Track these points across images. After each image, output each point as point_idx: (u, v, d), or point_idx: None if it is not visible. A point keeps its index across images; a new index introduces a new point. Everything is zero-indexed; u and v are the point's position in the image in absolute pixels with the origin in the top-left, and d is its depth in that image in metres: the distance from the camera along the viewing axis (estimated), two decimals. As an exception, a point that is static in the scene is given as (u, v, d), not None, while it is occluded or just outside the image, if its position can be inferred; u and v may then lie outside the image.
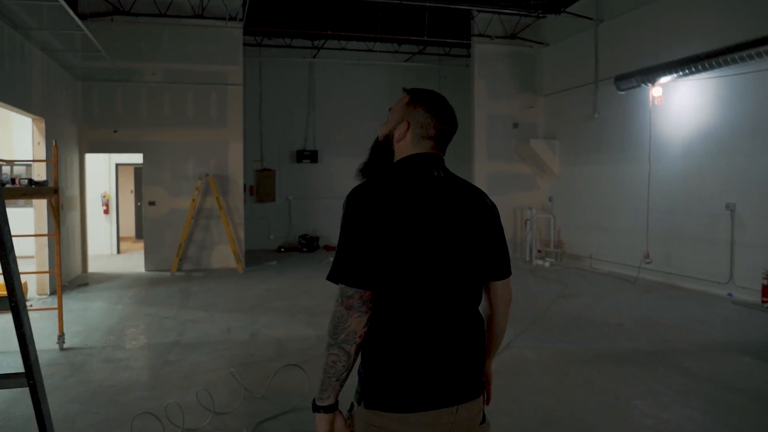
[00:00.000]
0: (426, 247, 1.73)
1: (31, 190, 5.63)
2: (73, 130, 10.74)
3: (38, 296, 8.90)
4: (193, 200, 11.36)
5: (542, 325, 7.05)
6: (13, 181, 5.69)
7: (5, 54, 7.30)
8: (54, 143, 6.13)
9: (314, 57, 14.90)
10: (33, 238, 9.00)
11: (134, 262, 12.43)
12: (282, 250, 14.62)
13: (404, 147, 1.91)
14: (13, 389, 3.99)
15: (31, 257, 9.21)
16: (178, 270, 11.35)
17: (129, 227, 16.75)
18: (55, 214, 6.04)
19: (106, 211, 14.12)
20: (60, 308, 6.17)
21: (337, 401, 1.77)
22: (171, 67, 11.37)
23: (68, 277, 10.23)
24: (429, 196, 1.79)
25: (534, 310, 7.80)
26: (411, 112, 1.90)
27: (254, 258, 12.93)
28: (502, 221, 1.98)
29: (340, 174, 14.90)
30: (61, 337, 6.14)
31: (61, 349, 6.10)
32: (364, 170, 2.00)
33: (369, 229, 1.69)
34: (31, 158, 9.04)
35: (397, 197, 1.74)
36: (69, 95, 10.42)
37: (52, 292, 9.10)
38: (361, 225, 1.70)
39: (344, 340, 1.70)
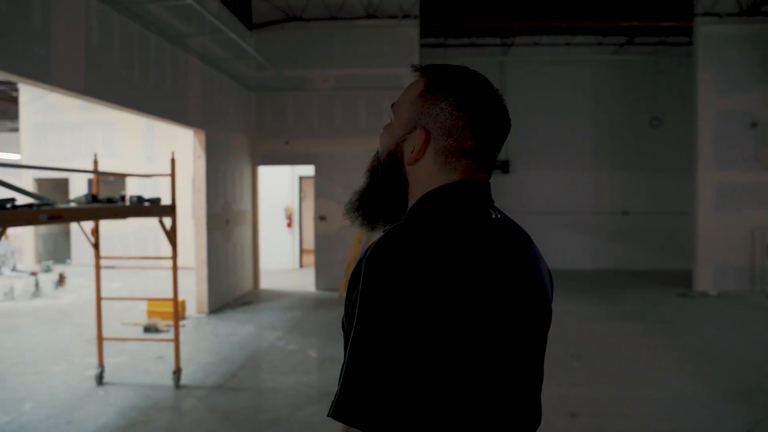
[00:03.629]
0: (505, 356, 0.97)
1: (137, 209, 4.96)
2: (245, 142, 10.46)
3: (197, 315, 8.55)
4: (362, 215, 10.49)
5: (795, 407, 4.88)
6: (122, 198, 5.08)
7: (151, 63, 6.92)
8: (172, 156, 5.47)
9: (505, 56, 13.40)
10: (194, 250, 8.73)
11: (311, 279, 11.92)
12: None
13: (423, 172, 1.09)
14: None
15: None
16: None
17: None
18: (171, 236, 5.36)
19: (289, 225, 13.95)
20: (177, 341, 5.49)
21: None
22: (342, 72, 10.66)
23: (235, 293, 9.91)
24: (499, 261, 0.98)
25: (781, 378, 5.57)
26: (429, 109, 1.07)
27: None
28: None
29: (533, 187, 13.35)
30: (177, 373, 5.45)
31: (176, 386, 5.40)
32: (363, 207, 1.17)
33: (418, 332, 0.88)
34: (192, 172, 8.76)
35: (455, 268, 0.93)
36: (240, 106, 10.15)
37: (212, 311, 8.73)
38: (404, 323, 0.88)
39: None
